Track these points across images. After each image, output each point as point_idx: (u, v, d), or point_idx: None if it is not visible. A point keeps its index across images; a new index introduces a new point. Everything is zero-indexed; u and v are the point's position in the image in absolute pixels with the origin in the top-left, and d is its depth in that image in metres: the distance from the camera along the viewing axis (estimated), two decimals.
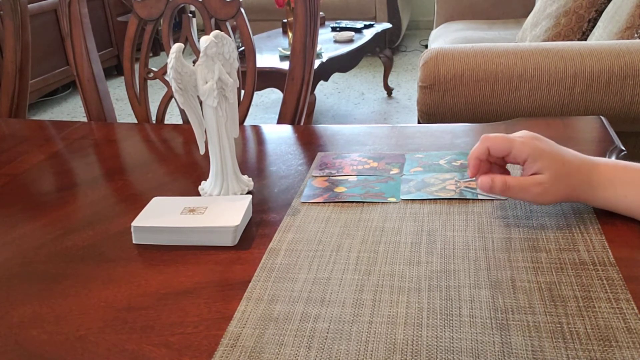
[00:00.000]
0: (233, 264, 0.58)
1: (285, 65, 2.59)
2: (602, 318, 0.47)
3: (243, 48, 1.15)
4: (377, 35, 3.26)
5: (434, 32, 3.07)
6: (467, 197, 0.67)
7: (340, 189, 0.71)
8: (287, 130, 0.95)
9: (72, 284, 0.57)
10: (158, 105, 1.11)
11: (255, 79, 1.06)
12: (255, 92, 1.07)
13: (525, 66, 1.41)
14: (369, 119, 3.19)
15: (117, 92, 3.81)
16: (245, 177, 0.73)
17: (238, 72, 0.77)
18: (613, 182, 0.58)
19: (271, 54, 2.84)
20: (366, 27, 3.34)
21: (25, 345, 0.49)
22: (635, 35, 1.65)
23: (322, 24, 3.49)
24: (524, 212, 0.63)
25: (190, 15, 1.11)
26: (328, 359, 0.45)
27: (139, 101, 1.11)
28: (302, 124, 1.09)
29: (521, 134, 0.60)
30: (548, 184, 0.58)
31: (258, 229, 0.64)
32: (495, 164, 0.62)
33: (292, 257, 0.58)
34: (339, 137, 0.89)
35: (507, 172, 0.63)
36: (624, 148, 0.75)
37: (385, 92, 3.56)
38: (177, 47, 0.64)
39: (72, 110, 3.60)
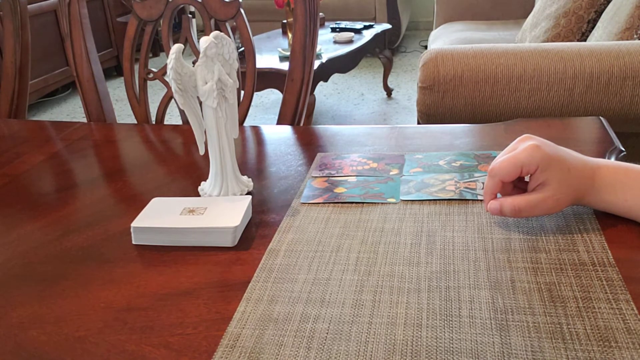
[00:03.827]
0: (233, 265, 0.58)
1: (284, 66, 2.59)
2: (602, 319, 0.47)
3: (243, 49, 1.15)
4: (376, 35, 3.27)
5: (433, 33, 3.07)
6: (467, 198, 0.67)
7: (340, 190, 0.71)
8: (286, 130, 0.95)
9: (71, 285, 0.57)
10: (158, 106, 1.11)
11: (254, 79, 1.06)
12: (255, 93, 1.07)
13: (525, 67, 1.42)
14: (368, 119, 3.19)
15: (116, 93, 3.81)
16: (245, 177, 0.73)
17: (238, 72, 0.77)
18: (614, 186, 0.58)
19: (271, 55, 2.84)
20: (366, 27, 3.34)
21: (24, 345, 0.49)
22: (635, 36, 1.65)
23: (322, 25, 3.49)
24: None
25: (190, 15, 1.11)
26: (327, 359, 0.45)
27: (138, 102, 1.11)
28: (301, 124, 1.09)
29: (523, 145, 0.58)
30: (559, 194, 0.57)
31: (258, 229, 0.64)
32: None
33: (291, 258, 0.58)
34: (339, 137, 0.89)
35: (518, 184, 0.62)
36: (623, 149, 0.75)
37: (385, 93, 3.56)
38: (176, 47, 0.64)
39: (71, 110, 3.60)
